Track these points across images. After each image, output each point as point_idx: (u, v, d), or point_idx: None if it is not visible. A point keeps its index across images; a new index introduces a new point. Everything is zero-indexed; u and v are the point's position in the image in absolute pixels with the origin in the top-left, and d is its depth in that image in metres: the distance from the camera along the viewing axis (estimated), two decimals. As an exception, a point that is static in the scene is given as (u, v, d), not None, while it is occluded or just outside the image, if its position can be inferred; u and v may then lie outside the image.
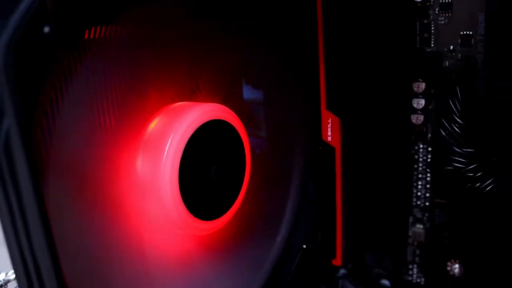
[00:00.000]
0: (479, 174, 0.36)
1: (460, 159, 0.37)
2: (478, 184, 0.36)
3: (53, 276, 0.24)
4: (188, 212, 0.32)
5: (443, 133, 0.37)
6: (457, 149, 0.37)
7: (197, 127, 0.32)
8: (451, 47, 0.42)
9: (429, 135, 0.44)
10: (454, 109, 0.36)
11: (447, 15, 0.42)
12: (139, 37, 0.29)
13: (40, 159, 0.24)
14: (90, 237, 0.28)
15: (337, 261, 0.46)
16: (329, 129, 0.41)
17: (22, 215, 0.24)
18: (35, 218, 0.24)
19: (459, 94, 0.37)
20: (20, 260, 0.25)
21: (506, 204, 0.38)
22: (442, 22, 0.42)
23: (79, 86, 0.25)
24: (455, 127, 0.36)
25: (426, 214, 0.48)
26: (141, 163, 0.30)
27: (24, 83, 0.22)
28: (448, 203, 0.44)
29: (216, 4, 0.35)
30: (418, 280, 0.51)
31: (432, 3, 0.42)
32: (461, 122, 0.35)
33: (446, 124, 0.37)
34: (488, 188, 0.36)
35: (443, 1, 0.42)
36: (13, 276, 0.32)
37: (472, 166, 0.36)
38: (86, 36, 0.25)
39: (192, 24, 0.33)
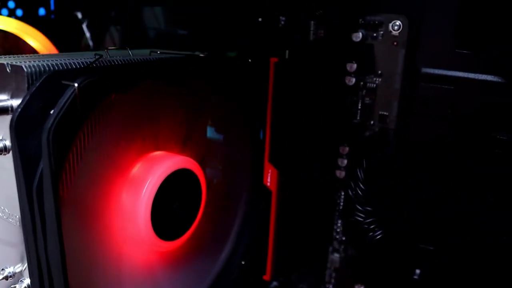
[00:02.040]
0: (372, 226, 0.48)
1: (360, 214, 0.49)
2: (371, 233, 0.48)
3: (61, 273, 0.35)
4: (155, 234, 0.43)
5: (350, 193, 0.49)
6: (359, 207, 0.49)
7: (168, 174, 0.43)
8: (372, 122, 0.54)
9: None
10: (359, 176, 0.49)
11: (371, 97, 0.54)
12: (126, 113, 0.40)
13: (59, 193, 0.35)
14: (87, 248, 0.39)
15: (267, 276, 0.57)
16: (269, 177, 0.52)
17: (44, 233, 0.35)
18: (53, 234, 0.35)
19: (364, 165, 0.49)
20: (37, 264, 0.36)
21: (392, 249, 0.51)
22: (367, 102, 0.54)
23: (87, 147, 0.36)
24: (358, 190, 0.48)
25: (342, 246, 0.60)
26: (125, 197, 0.42)
27: (56, 149, 0.33)
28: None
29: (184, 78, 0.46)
30: None
31: (361, 86, 0.54)
32: (362, 187, 0.48)
33: (353, 186, 0.49)
34: (378, 237, 0.48)
35: (370, 86, 0.54)
36: (19, 269, 0.43)
37: (368, 220, 0.48)
38: (92, 118, 0.36)
39: (167, 98, 0.44)
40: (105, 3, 0.66)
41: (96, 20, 0.66)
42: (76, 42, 0.66)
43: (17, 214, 0.39)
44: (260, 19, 0.57)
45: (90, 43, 0.66)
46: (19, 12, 0.65)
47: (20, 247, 0.40)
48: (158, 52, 0.47)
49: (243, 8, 0.59)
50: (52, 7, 0.68)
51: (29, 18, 0.65)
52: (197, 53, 0.51)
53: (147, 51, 0.49)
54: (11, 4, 0.64)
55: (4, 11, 0.64)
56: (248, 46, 0.57)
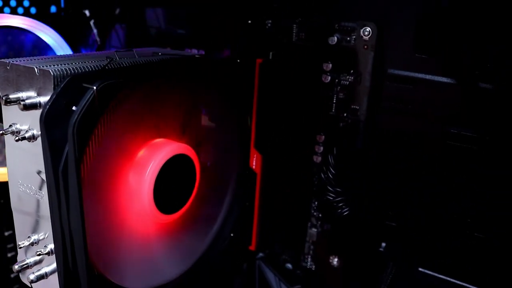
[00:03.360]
0: (341, 204, 0.56)
1: (331, 194, 0.57)
2: (339, 211, 0.56)
3: (81, 240, 0.44)
4: (156, 209, 0.51)
5: (323, 176, 0.57)
6: (330, 188, 0.57)
7: (167, 158, 0.51)
8: (345, 114, 0.61)
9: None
10: (330, 161, 0.57)
11: (345, 93, 0.61)
12: (133, 107, 0.48)
13: (80, 174, 0.43)
14: (101, 219, 0.47)
15: (253, 247, 0.66)
16: (254, 160, 0.60)
17: (67, 207, 0.43)
18: (75, 208, 0.43)
19: (334, 152, 0.57)
20: (60, 232, 0.44)
21: (356, 223, 0.59)
22: (341, 97, 0.62)
23: (102, 137, 0.44)
24: (329, 174, 0.56)
25: (319, 222, 0.68)
26: (132, 177, 0.50)
27: (79, 140, 0.41)
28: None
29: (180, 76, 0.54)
30: (311, 267, 0.70)
31: (335, 83, 0.62)
32: (333, 171, 0.56)
33: (325, 170, 0.57)
34: (344, 213, 0.56)
35: (343, 83, 0.61)
36: (42, 236, 0.50)
37: (337, 199, 0.56)
38: (107, 113, 0.44)
39: (167, 94, 0.52)
40: (111, 2, 0.74)
41: (103, 18, 0.73)
42: (85, 38, 0.74)
43: (43, 191, 0.47)
44: (249, 22, 0.64)
45: (98, 39, 0.73)
46: (33, 10, 0.72)
47: (44, 219, 0.48)
48: (160, 54, 0.54)
49: (235, 11, 0.66)
50: (62, 5, 0.75)
51: (42, 15, 0.71)
52: (193, 51, 0.58)
53: (149, 51, 0.57)
54: (26, 3, 0.71)
55: (20, 9, 0.71)
56: (238, 46, 0.65)
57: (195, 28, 0.69)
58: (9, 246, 0.79)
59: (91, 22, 0.73)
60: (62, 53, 0.71)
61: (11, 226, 0.76)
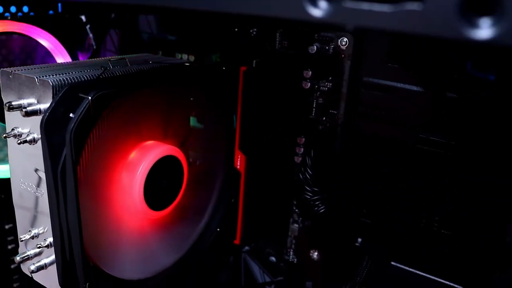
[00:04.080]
0: (317, 203, 0.61)
1: (309, 194, 0.61)
2: (315, 208, 0.61)
3: (77, 234, 0.48)
4: (146, 205, 0.56)
5: (301, 176, 0.62)
6: (307, 188, 0.62)
7: (157, 159, 0.55)
8: (324, 118, 0.65)
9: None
10: (308, 162, 0.61)
11: (323, 97, 0.66)
12: (124, 113, 0.52)
13: (77, 175, 0.47)
14: (96, 216, 0.52)
15: (237, 241, 0.70)
16: (239, 161, 0.65)
17: (65, 204, 0.47)
18: (72, 205, 0.47)
19: (311, 154, 0.62)
20: (59, 226, 0.49)
21: (335, 220, 0.64)
22: (320, 102, 0.66)
23: (96, 141, 0.49)
24: (307, 174, 0.61)
25: (300, 219, 0.72)
26: (124, 177, 0.54)
27: (75, 144, 0.45)
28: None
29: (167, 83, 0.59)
30: (293, 260, 0.74)
31: (315, 89, 0.66)
32: (310, 172, 0.60)
33: (303, 170, 0.62)
34: (321, 211, 0.61)
35: (322, 90, 0.65)
36: (42, 230, 0.55)
37: (314, 198, 0.61)
38: (101, 120, 0.48)
39: (156, 99, 0.57)
40: (106, 9, 0.78)
41: (98, 23, 0.77)
42: (81, 42, 0.78)
43: (43, 189, 0.51)
44: (236, 29, 0.69)
45: (93, 43, 0.77)
46: (31, 15, 0.76)
47: (43, 215, 0.52)
48: (150, 62, 0.59)
49: (223, 18, 0.71)
50: (60, 10, 0.78)
51: (40, 21, 0.75)
52: (183, 57, 0.63)
53: (141, 58, 0.61)
54: (25, 9, 0.75)
55: (19, 14, 0.74)
56: (225, 53, 0.69)
57: (185, 34, 0.73)
58: (9, 238, 0.82)
59: (87, 27, 0.77)
60: (59, 56, 0.75)
61: (11, 219, 0.80)
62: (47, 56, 0.74)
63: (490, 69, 0.51)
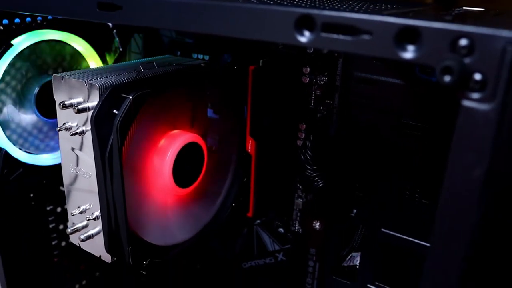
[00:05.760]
0: (316, 179, 0.72)
1: (309, 171, 0.72)
2: (315, 184, 0.72)
3: (122, 207, 0.60)
4: (174, 184, 0.67)
5: (302, 157, 0.73)
6: (308, 166, 0.73)
7: (182, 145, 0.67)
8: (321, 107, 0.76)
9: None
10: (308, 145, 0.72)
11: (320, 90, 0.77)
12: (156, 108, 0.64)
13: (121, 159, 0.59)
14: (135, 192, 0.62)
15: (250, 214, 0.81)
16: (249, 145, 0.76)
17: (111, 183, 0.59)
18: (118, 183, 0.58)
19: (311, 138, 0.73)
20: (106, 202, 0.60)
21: (328, 195, 0.75)
22: (318, 93, 0.77)
23: (135, 131, 0.60)
24: (307, 155, 0.72)
25: (303, 194, 0.83)
26: (156, 160, 0.66)
27: (120, 134, 0.57)
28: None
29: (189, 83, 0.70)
30: (298, 230, 0.83)
31: (313, 83, 0.77)
32: (310, 153, 0.72)
33: (304, 152, 0.73)
34: (319, 186, 0.72)
35: (319, 83, 0.76)
36: (88, 206, 0.66)
37: (314, 175, 0.72)
38: (139, 114, 0.59)
39: (180, 96, 0.68)
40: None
41: (124, 28, 0.88)
42: (109, 46, 0.88)
43: (90, 172, 0.62)
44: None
45: (119, 46, 0.88)
46: (66, 23, 0.86)
47: (91, 193, 0.61)
48: (174, 64, 0.70)
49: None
50: (90, 17, 0.88)
51: (73, 28, 0.85)
52: (199, 57, 0.74)
53: (166, 59, 0.72)
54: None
55: (55, 22, 0.84)
56: (236, 54, 0.80)
57: (201, 37, 0.84)
58: (50, 218, 0.90)
59: (114, 32, 0.87)
60: (91, 59, 0.86)
61: (52, 202, 0.91)
62: (81, 58, 0.85)
63: (431, 73, 0.62)
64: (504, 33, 0.29)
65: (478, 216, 0.33)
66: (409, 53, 0.32)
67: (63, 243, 0.95)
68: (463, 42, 0.30)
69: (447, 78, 0.30)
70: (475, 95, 0.31)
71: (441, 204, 0.34)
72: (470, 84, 0.31)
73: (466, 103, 0.31)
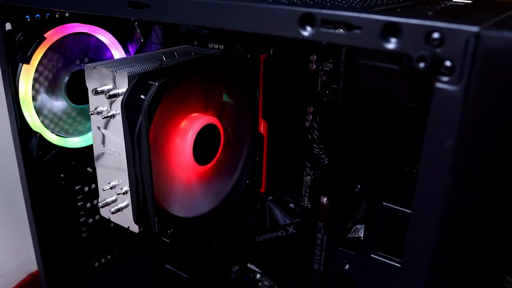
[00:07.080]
0: (322, 156, 0.79)
1: (316, 149, 0.80)
2: (321, 161, 0.79)
3: (149, 182, 0.67)
4: (195, 161, 0.75)
5: (309, 136, 0.80)
6: (315, 145, 0.80)
7: (201, 126, 0.74)
8: (327, 92, 0.83)
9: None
10: (315, 126, 0.79)
11: (326, 76, 0.83)
12: (178, 93, 0.71)
13: (148, 138, 0.66)
14: (160, 169, 0.69)
15: (263, 189, 0.88)
16: (262, 126, 0.83)
17: (140, 160, 0.66)
18: (145, 160, 0.66)
19: (317, 119, 0.80)
20: (134, 177, 0.68)
21: (331, 170, 0.82)
22: (324, 79, 0.83)
23: (160, 114, 0.68)
24: (314, 135, 0.79)
25: (312, 171, 0.90)
26: (178, 140, 0.73)
27: (148, 116, 0.64)
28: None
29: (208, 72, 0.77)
30: (307, 205, 0.89)
31: (319, 69, 0.84)
32: (317, 133, 0.79)
33: (311, 132, 0.80)
34: (325, 163, 0.79)
35: (325, 69, 0.83)
36: (117, 182, 0.73)
37: (320, 153, 0.79)
38: (163, 99, 0.67)
39: (199, 82, 0.75)
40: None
41: (144, 20, 0.95)
42: (131, 37, 0.96)
43: (120, 151, 0.69)
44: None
45: (141, 37, 0.95)
46: (91, 17, 0.93)
47: (120, 170, 0.68)
48: (193, 53, 0.77)
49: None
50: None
51: (98, 21, 0.92)
52: (214, 47, 0.81)
53: (185, 49, 0.79)
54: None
55: (80, 16, 0.91)
56: (248, 43, 0.86)
57: (216, 28, 0.91)
58: (78, 197, 0.98)
59: (135, 24, 0.94)
60: (114, 49, 0.93)
61: (80, 181, 0.99)
62: (105, 49, 0.92)
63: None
64: (468, 27, 0.36)
65: (451, 180, 0.40)
66: (392, 44, 0.39)
67: (90, 220, 1.03)
68: (435, 35, 0.37)
69: (421, 65, 0.37)
70: (446, 79, 0.37)
71: (420, 170, 0.41)
72: (441, 70, 0.37)
73: (439, 85, 0.38)
